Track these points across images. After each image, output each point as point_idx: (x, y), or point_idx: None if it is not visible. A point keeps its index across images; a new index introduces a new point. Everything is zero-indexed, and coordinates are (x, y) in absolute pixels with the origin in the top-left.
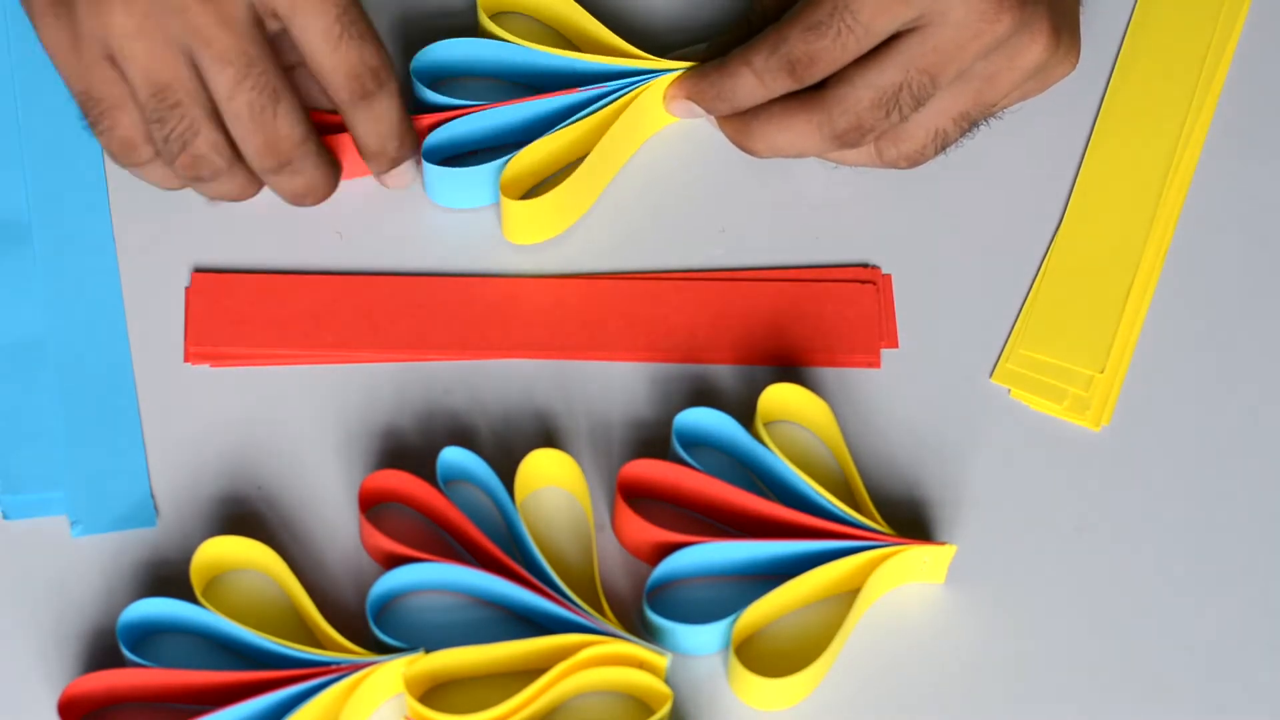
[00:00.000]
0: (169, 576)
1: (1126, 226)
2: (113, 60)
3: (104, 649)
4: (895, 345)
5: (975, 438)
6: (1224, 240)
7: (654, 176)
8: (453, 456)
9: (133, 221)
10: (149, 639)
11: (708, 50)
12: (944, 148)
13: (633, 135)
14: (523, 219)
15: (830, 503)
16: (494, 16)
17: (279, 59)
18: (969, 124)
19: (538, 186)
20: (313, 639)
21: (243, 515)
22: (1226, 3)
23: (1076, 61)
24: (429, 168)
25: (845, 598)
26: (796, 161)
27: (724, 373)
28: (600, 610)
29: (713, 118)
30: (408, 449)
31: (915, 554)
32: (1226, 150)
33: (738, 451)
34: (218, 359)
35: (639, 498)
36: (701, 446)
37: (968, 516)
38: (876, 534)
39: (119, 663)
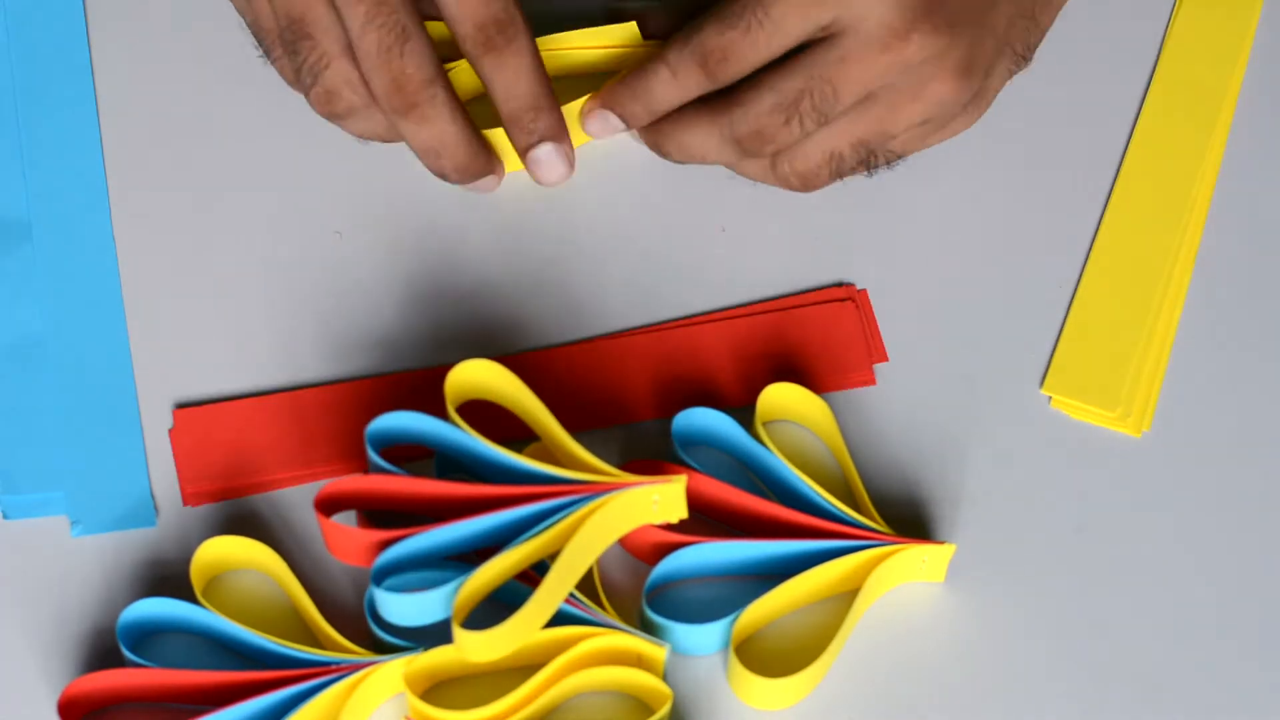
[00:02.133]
0: (169, 576)
1: (1158, 238)
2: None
3: (104, 649)
4: (885, 359)
5: (973, 438)
6: (1248, 248)
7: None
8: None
9: (133, 222)
10: (149, 639)
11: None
12: (839, 175)
13: (592, 543)
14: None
15: (829, 502)
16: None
17: (416, 7)
18: (866, 153)
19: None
20: (313, 639)
21: (243, 515)
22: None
23: (976, 118)
24: (379, 593)
25: (845, 598)
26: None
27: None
28: (599, 604)
29: (634, 132)
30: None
31: (914, 553)
32: (1255, 146)
33: (737, 451)
34: (218, 495)
35: None
36: (700, 446)
37: (967, 516)
38: (875, 533)
39: (119, 663)
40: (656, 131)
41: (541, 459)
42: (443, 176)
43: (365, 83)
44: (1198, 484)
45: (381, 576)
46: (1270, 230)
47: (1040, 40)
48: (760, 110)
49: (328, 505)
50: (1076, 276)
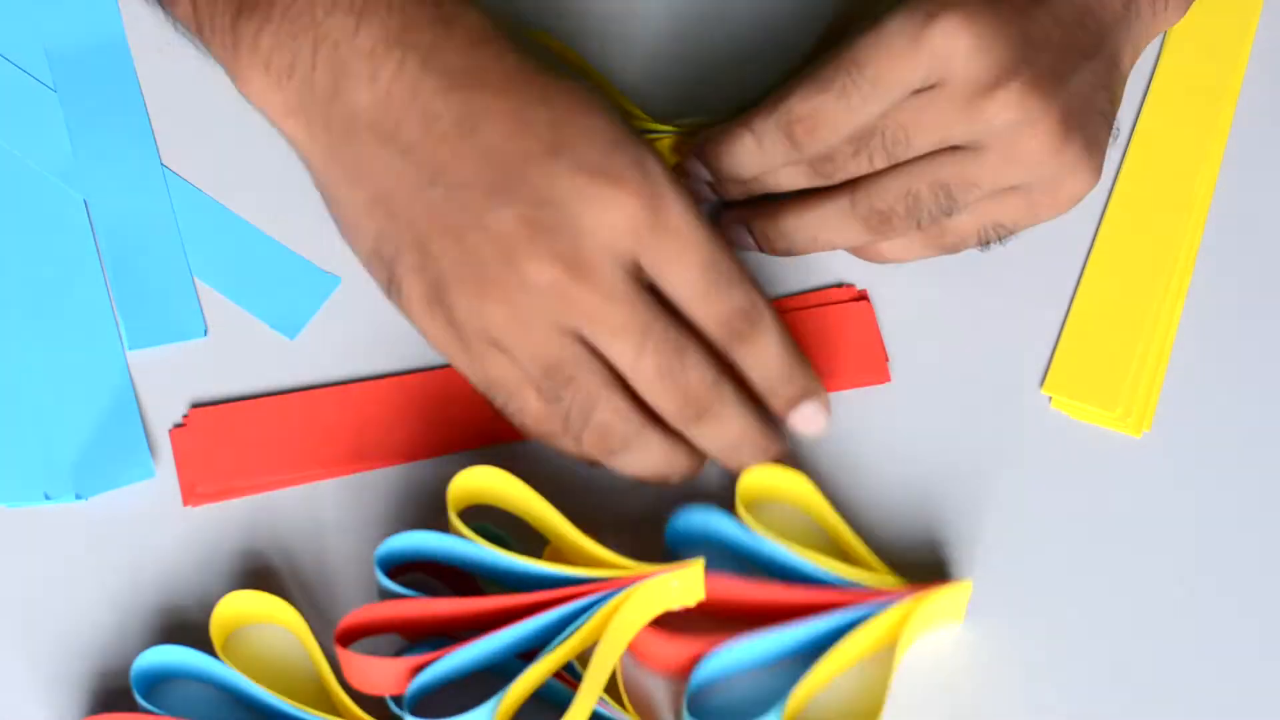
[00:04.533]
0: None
1: (1158, 245)
2: (501, 347)
3: (111, 691)
4: (885, 360)
5: (973, 439)
6: (1248, 248)
7: None
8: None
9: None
10: (161, 686)
11: (707, 123)
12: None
13: (620, 639)
14: None
15: (836, 574)
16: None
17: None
18: (994, 230)
19: None
20: (330, 704)
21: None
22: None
23: (1090, 183)
24: None
25: (874, 660)
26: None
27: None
28: (621, 704)
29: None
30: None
31: (934, 599)
32: (1255, 146)
33: (732, 544)
34: (220, 495)
35: None
36: (695, 546)
37: (966, 515)
38: (890, 590)
39: (127, 706)
40: (772, 224)
41: (555, 559)
42: (737, 462)
43: (638, 410)
44: (1198, 484)
45: (415, 703)
46: (1270, 230)
47: (1117, 111)
48: (892, 191)
49: (347, 637)
50: (1076, 276)
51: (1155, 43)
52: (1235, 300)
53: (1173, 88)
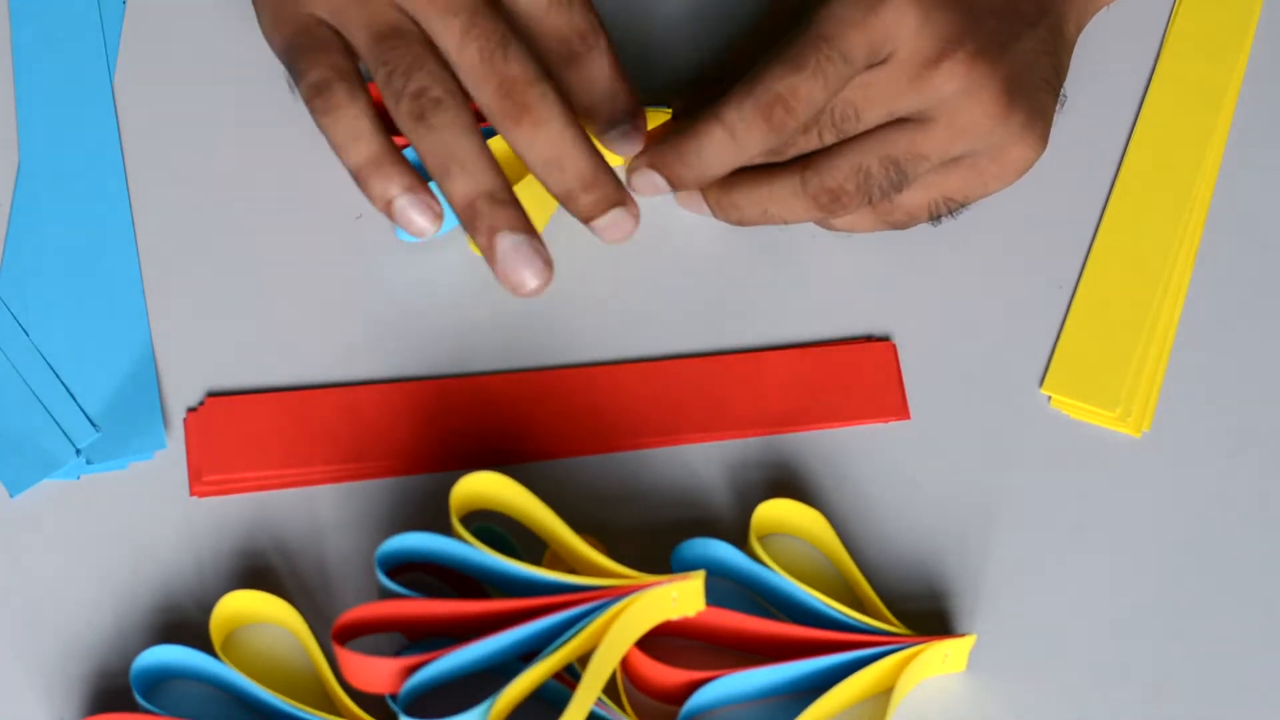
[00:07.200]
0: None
1: (1155, 250)
2: (325, 24)
3: (109, 690)
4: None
5: (973, 439)
6: (1248, 248)
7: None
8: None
9: (154, 212)
10: (161, 685)
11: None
12: (936, 217)
13: (619, 645)
14: None
15: (843, 614)
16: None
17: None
18: (945, 204)
19: None
20: (328, 702)
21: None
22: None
23: (1035, 152)
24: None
25: (871, 700)
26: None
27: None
28: (622, 708)
29: (679, 196)
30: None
31: (936, 650)
32: (1255, 146)
33: (740, 576)
34: (227, 485)
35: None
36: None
37: (965, 515)
38: (895, 636)
39: (126, 705)
40: (727, 195)
41: (554, 566)
42: (570, 200)
43: (459, 90)
44: (1198, 484)
45: (409, 702)
46: (1270, 230)
47: (1063, 80)
48: (845, 166)
49: (344, 634)
50: (1076, 276)
51: (1155, 42)
52: (1235, 300)
53: (1173, 88)
